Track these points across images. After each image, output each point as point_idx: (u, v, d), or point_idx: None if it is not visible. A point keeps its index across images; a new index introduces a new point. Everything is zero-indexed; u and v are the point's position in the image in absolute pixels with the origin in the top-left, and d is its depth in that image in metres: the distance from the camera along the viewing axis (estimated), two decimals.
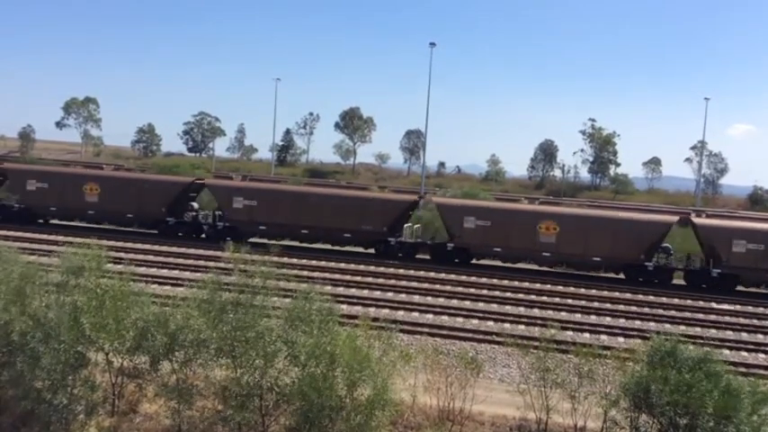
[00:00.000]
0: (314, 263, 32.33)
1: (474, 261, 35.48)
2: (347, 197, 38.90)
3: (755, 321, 26.54)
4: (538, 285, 30.44)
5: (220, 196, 39.01)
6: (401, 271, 31.79)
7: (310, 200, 37.70)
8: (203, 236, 38.42)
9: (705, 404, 11.53)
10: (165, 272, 28.38)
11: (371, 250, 36.67)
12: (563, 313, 25.57)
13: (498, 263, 35.29)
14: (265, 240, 35.71)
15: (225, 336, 13.14)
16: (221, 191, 39.41)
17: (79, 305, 13.76)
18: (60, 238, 34.27)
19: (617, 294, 29.68)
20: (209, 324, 13.38)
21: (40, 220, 41.02)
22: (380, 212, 36.53)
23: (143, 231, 39.53)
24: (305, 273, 28.56)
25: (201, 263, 30.15)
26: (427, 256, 36.34)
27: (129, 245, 33.81)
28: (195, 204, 40.49)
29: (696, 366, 12.19)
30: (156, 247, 34.25)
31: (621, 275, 34.05)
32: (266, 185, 43.09)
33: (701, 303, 28.97)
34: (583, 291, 29.98)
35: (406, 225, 37.29)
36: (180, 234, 38.35)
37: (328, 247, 37.53)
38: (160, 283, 25.23)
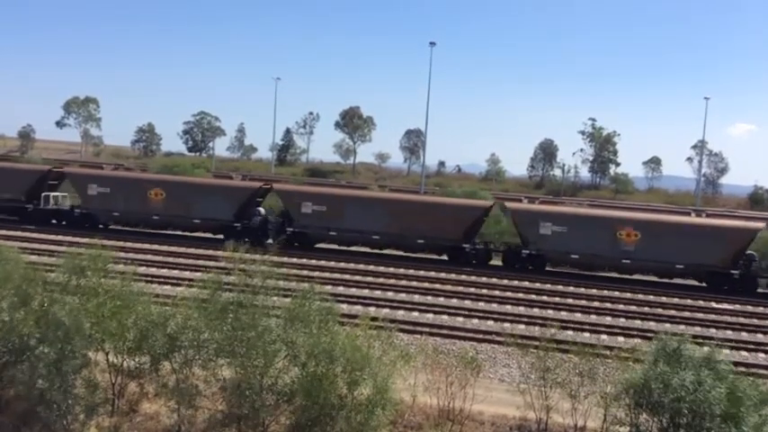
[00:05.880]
0: (313, 262, 32.37)
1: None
2: (421, 203, 38.23)
3: (755, 321, 26.59)
4: (538, 285, 30.48)
5: (288, 201, 38.16)
6: (401, 270, 31.81)
7: (382, 205, 36.90)
8: (269, 241, 35.55)
9: (711, 404, 11.48)
10: (164, 271, 28.42)
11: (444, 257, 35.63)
12: (563, 313, 25.60)
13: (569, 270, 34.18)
14: (335, 246, 35.69)
15: (226, 336, 13.15)
16: (289, 196, 38.56)
17: (80, 305, 13.76)
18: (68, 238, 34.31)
19: (617, 294, 29.73)
20: (209, 324, 13.38)
21: (101, 225, 39.60)
22: (455, 218, 35.44)
23: (141, 231, 39.56)
24: (304, 272, 28.66)
25: (201, 262, 30.13)
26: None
27: (129, 245, 33.78)
28: (262, 209, 39.35)
29: (701, 366, 12.15)
30: (156, 247, 34.25)
31: (704, 284, 33.03)
32: (336, 190, 42.12)
33: (701, 303, 29.03)
34: (583, 290, 30.03)
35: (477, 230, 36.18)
36: (246, 240, 36.47)
37: (333, 247, 37.32)
38: (160, 283, 25.33)
